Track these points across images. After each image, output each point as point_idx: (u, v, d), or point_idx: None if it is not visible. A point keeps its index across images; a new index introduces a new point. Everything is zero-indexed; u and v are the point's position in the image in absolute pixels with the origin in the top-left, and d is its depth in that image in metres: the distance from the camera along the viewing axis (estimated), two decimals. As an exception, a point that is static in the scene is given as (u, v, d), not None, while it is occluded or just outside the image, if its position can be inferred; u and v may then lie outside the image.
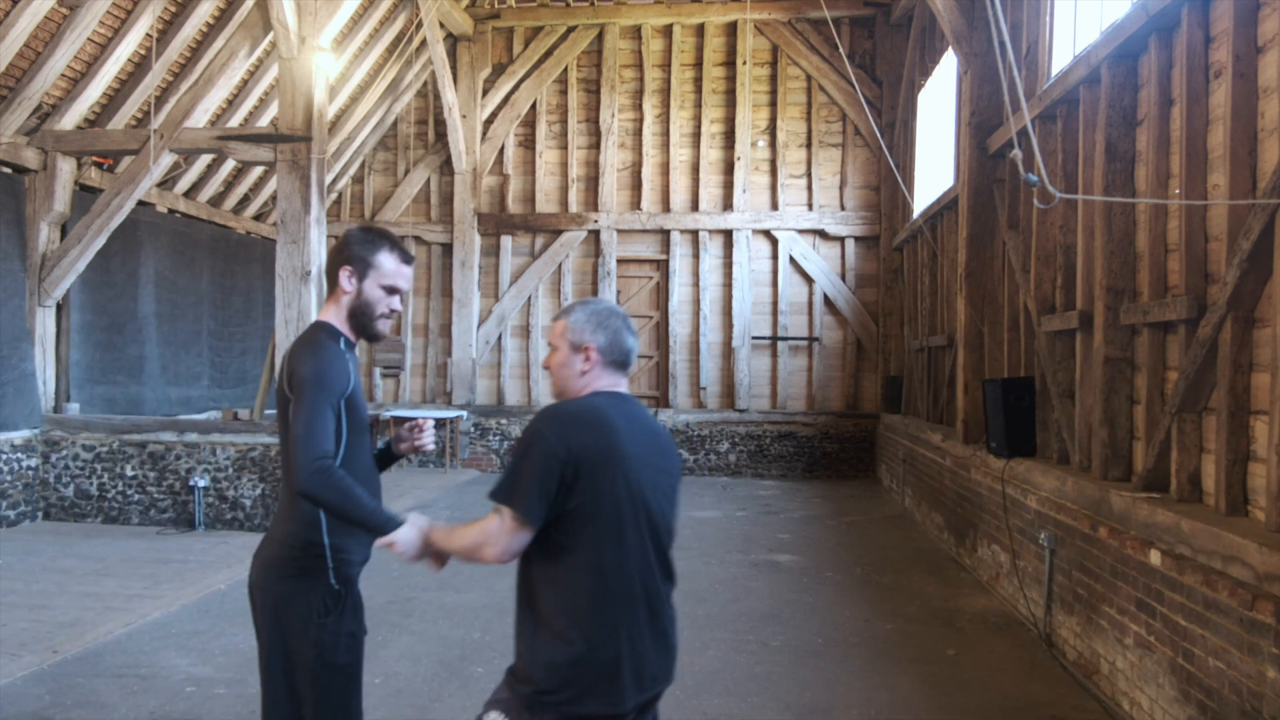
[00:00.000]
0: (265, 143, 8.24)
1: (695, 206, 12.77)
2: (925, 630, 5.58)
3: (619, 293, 12.87)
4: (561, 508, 2.04)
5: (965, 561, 7.26)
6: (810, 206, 12.55)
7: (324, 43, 8.12)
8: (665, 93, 12.84)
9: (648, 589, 2.12)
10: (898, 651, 5.18)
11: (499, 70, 13.02)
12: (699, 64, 12.80)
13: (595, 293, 12.82)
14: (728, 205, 12.69)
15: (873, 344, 12.40)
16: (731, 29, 12.70)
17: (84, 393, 9.21)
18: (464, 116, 12.71)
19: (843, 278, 12.50)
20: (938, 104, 10.32)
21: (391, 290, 2.56)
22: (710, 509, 9.92)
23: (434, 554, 2.29)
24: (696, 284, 12.74)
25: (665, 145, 12.84)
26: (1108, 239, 5.08)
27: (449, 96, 12.30)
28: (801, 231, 12.50)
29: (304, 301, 7.93)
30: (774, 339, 12.56)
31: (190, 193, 11.07)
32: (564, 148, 13.04)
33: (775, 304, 12.57)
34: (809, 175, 12.59)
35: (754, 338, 12.57)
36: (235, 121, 10.54)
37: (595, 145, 12.96)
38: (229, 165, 11.08)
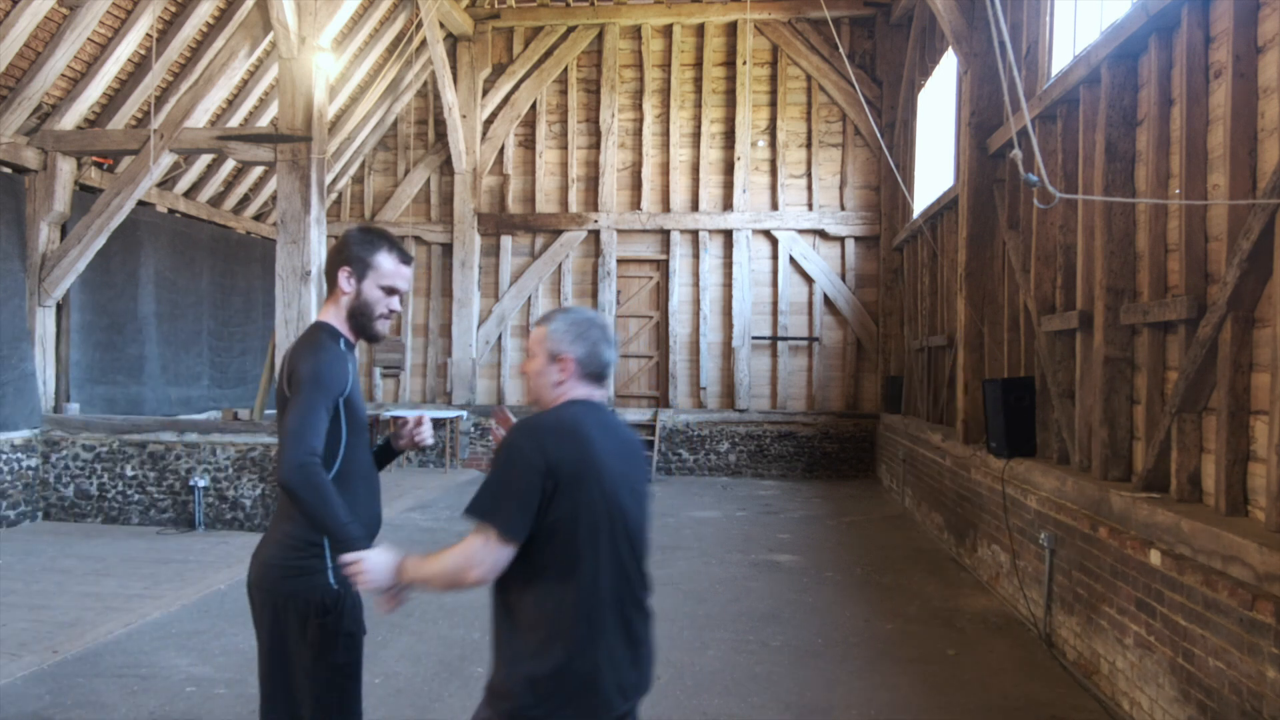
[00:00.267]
0: (265, 143, 8.24)
1: (695, 206, 12.77)
2: (925, 630, 5.58)
3: (619, 293, 12.88)
4: (541, 521, 2.02)
5: (965, 561, 7.26)
6: (810, 206, 12.55)
7: (324, 43, 8.12)
8: (665, 93, 12.84)
9: (626, 599, 2.12)
10: (898, 651, 5.17)
11: (499, 70, 13.02)
12: (699, 64, 12.80)
13: (595, 293, 12.83)
14: (728, 205, 12.69)
15: (873, 344, 12.40)
16: (731, 29, 12.70)
17: (84, 393, 9.21)
18: (464, 116, 12.71)
19: (843, 278, 12.50)
20: (938, 104, 10.32)
21: (390, 291, 2.56)
22: (710, 509, 9.92)
23: (397, 590, 2.19)
24: (696, 284, 12.74)
25: (665, 145, 12.84)
26: (1108, 239, 5.08)
27: (449, 96, 12.30)
28: (801, 231, 12.50)
29: (304, 301, 7.93)
30: (774, 339, 12.56)
31: (190, 193, 11.07)
32: (564, 148, 13.04)
33: (775, 304, 12.57)
34: (809, 175, 12.59)
35: (754, 338, 12.57)
36: (235, 121, 10.54)
37: (595, 145, 12.96)
38: (229, 165, 11.08)
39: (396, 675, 4.68)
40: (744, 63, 12.59)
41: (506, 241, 13.02)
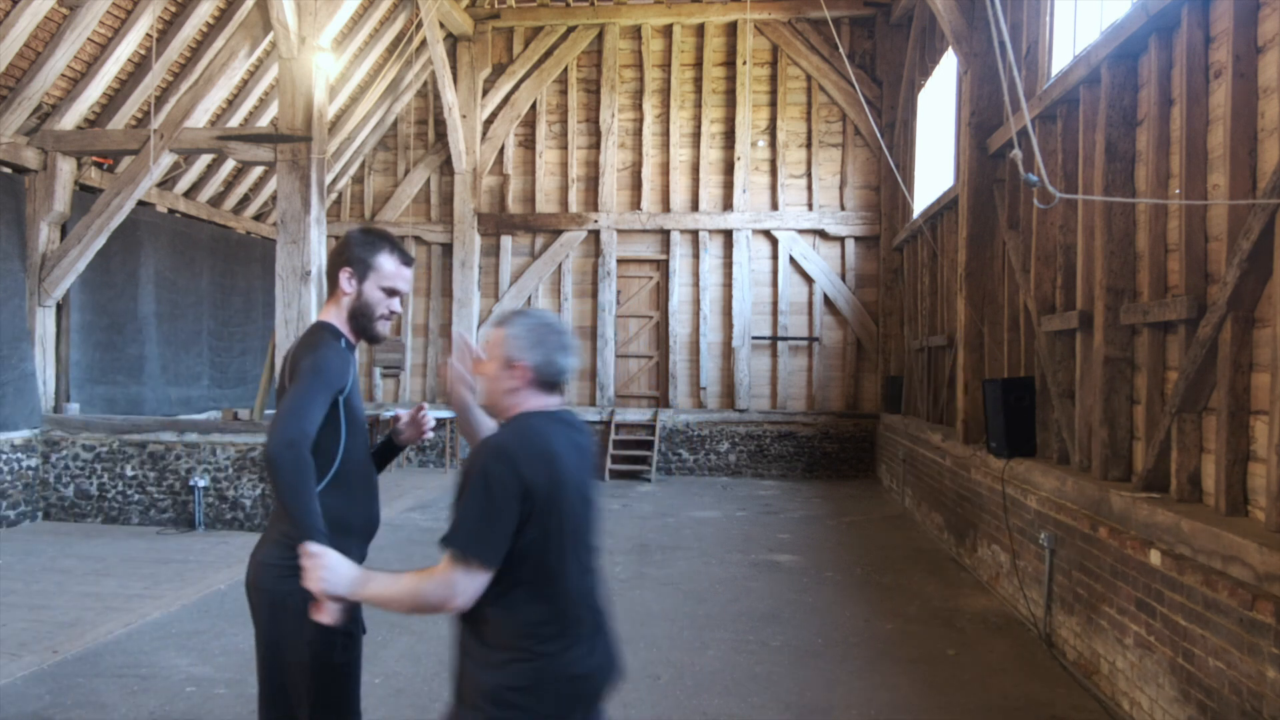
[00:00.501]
0: (265, 143, 8.24)
1: (695, 206, 12.77)
2: (925, 630, 5.58)
3: (619, 293, 12.88)
4: (516, 542, 2.01)
5: (965, 561, 7.26)
6: (810, 206, 12.55)
7: (324, 43, 8.12)
8: (665, 93, 12.84)
9: (587, 597, 2.15)
10: (898, 651, 5.17)
11: (499, 70, 13.02)
12: (699, 64, 12.80)
13: (595, 293, 12.83)
14: (728, 205, 12.69)
15: (873, 344, 12.40)
16: (731, 29, 12.70)
17: (84, 393, 9.21)
18: (464, 116, 12.71)
19: (843, 278, 12.51)
20: (938, 104, 10.32)
21: (391, 292, 2.57)
22: (710, 509, 9.92)
23: (342, 604, 2.11)
24: (696, 284, 12.74)
25: (665, 145, 12.84)
26: (1108, 239, 5.08)
27: (449, 96, 12.30)
28: (801, 231, 12.50)
29: (304, 301, 7.93)
30: (774, 339, 12.56)
31: (190, 193, 11.07)
32: (564, 148, 13.04)
33: (775, 304, 12.57)
34: (809, 175, 12.59)
35: (754, 338, 12.57)
36: (235, 121, 10.54)
37: (595, 145, 12.96)
38: (229, 165, 11.08)
39: (397, 675, 4.68)
40: (744, 63, 12.59)
41: (506, 241, 13.03)
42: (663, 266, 12.86)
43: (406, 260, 2.60)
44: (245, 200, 12.24)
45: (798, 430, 12.41)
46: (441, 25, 12.12)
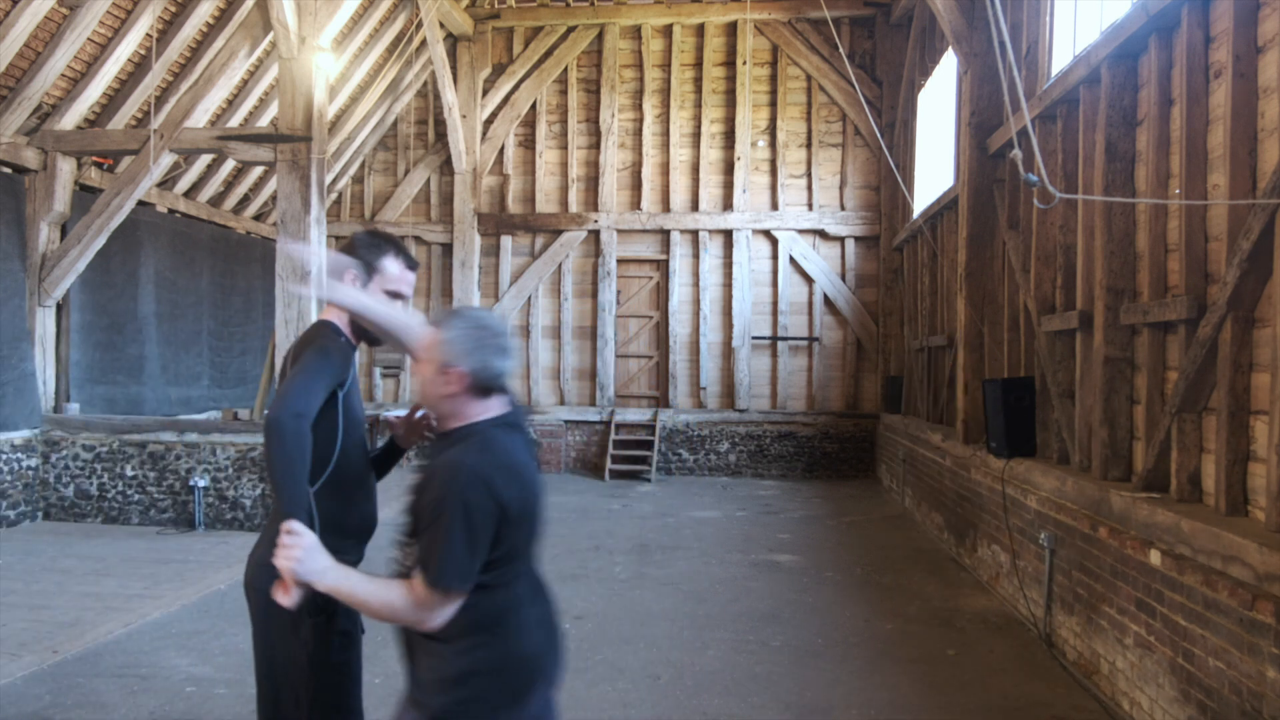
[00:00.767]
0: (265, 143, 8.24)
1: (695, 206, 12.77)
2: (925, 630, 5.58)
3: (619, 293, 12.88)
4: (486, 559, 2.04)
5: (965, 561, 7.26)
6: (810, 206, 12.55)
7: (324, 43, 8.12)
8: (665, 93, 12.84)
9: (540, 586, 2.20)
10: (898, 651, 5.17)
11: (499, 70, 13.02)
12: (699, 64, 12.80)
13: (595, 293, 12.82)
14: (728, 205, 12.69)
15: (873, 344, 12.40)
16: (731, 29, 12.70)
17: (84, 393, 9.21)
18: (464, 116, 12.71)
19: (843, 278, 12.50)
20: (938, 104, 10.32)
21: (395, 295, 2.58)
22: (710, 509, 9.92)
23: (306, 590, 2.07)
24: (696, 284, 12.74)
25: (665, 145, 12.84)
26: (1108, 239, 5.08)
27: (449, 96, 12.30)
28: (801, 231, 12.50)
29: (304, 301, 7.93)
30: (774, 339, 12.56)
31: (190, 193, 11.07)
32: (564, 148, 13.04)
33: (775, 304, 12.57)
34: (809, 175, 12.59)
35: (754, 338, 12.57)
36: (235, 121, 10.54)
37: (595, 145, 12.96)
38: (229, 165, 11.08)
39: (397, 675, 4.66)
40: (744, 63, 12.59)
41: (506, 241, 13.02)
42: (663, 266, 12.86)
43: (411, 265, 2.62)
44: (245, 200, 12.24)
45: (798, 430, 12.41)
46: (441, 25, 12.12)
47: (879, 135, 11.15)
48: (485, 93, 12.99)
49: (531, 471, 2.13)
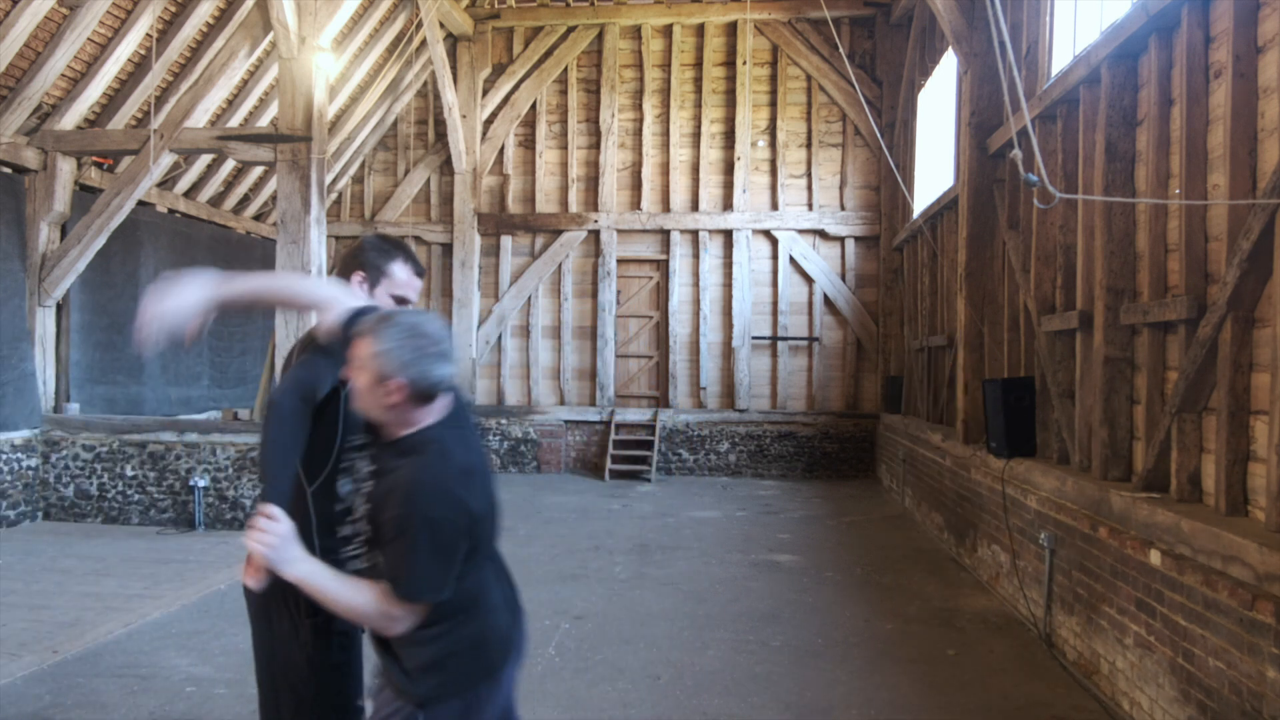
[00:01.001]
0: (265, 143, 8.24)
1: (695, 206, 12.77)
2: (925, 630, 5.58)
3: (619, 293, 12.88)
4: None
5: (965, 561, 7.26)
6: (810, 206, 12.55)
7: (324, 43, 8.12)
8: (665, 93, 12.84)
9: (503, 570, 2.28)
10: (898, 651, 5.17)
11: (499, 70, 13.02)
12: (699, 64, 12.80)
13: (595, 293, 12.82)
14: (728, 205, 12.69)
15: (873, 344, 12.40)
16: (731, 29, 12.70)
17: (84, 393, 9.21)
18: (464, 116, 12.71)
19: (843, 278, 12.50)
20: (938, 104, 10.32)
21: (401, 301, 2.58)
22: (710, 509, 9.92)
23: (270, 575, 2.08)
24: (696, 284, 12.74)
25: (665, 145, 12.84)
26: (1108, 239, 5.08)
27: (449, 96, 12.30)
28: (801, 231, 12.50)
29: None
30: (774, 339, 12.56)
31: (190, 193, 11.07)
32: (564, 148, 13.04)
33: (775, 304, 12.57)
34: (809, 175, 12.59)
35: (754, 338, 12.57)
36: (235, 121, 10.54)
37: (595, 145, 12.96)
38: (229, 165, 11.08)
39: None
40: (744, 63, 12.59)
41: (506, 241, 13.02)
42: (663, 266, 12.86)
43: (419, 271, 2.63)
44: (245, 200, 12.24)
45: (798, 430, 12.41)
46: (441, 25, 12.12)
47: (879, 135, 11.15)
48: (485, 93, 12.99)
49: (485, 466, 2.18)
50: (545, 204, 13.04)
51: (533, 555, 7.41)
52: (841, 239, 12.49)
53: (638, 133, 12.88)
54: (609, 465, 12.08)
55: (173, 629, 5.38)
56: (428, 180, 13.30)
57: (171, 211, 10.75)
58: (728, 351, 12.67)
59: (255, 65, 10.12)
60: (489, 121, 13.05)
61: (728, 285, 12.68)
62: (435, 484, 2.00)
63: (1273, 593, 3.11)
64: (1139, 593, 4.14)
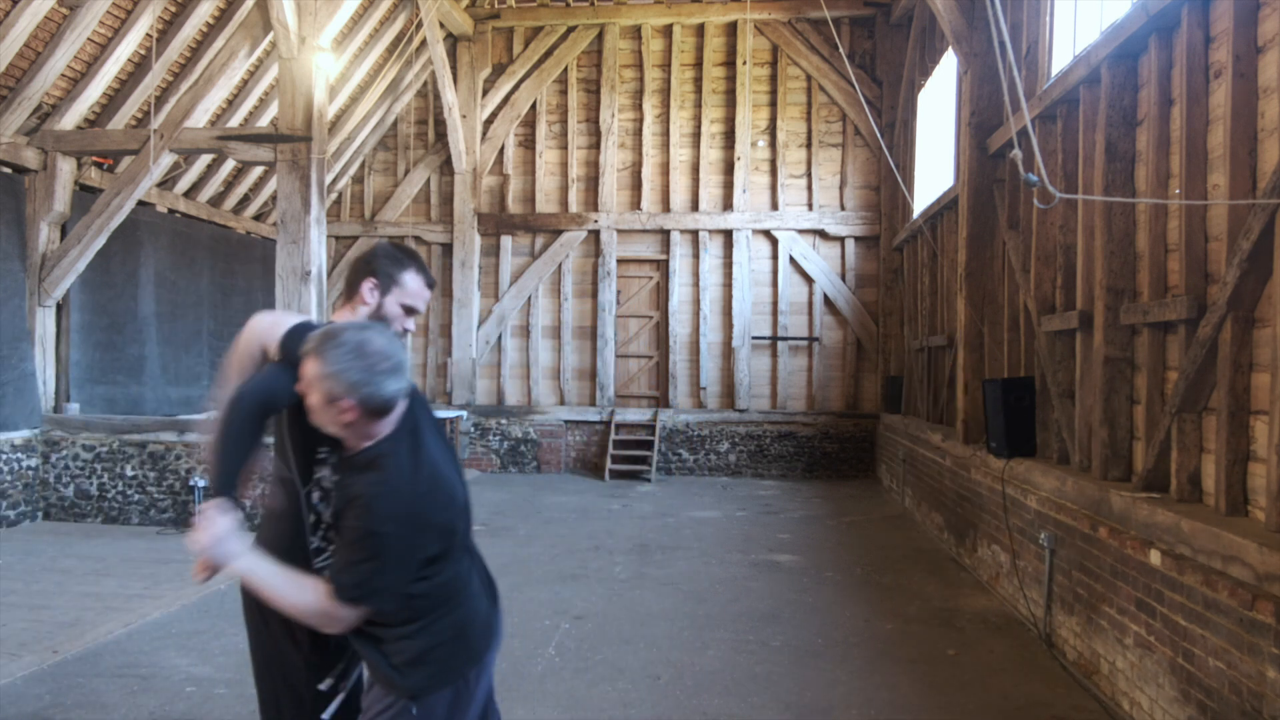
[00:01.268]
0: (265, 143, 8.24)
1: (695, 206, 12.77)
2: (925, 630, 5.58)
3: (619, 293, 12.88)
4: (425, 556, 2.11)
5: (965, 561, 7.26)
6: (810, 206, 12.55)
7: (324, 43, 8.12)
8: (665, 93, 12.84)
9: (478, 560, 2.34)
10: (898, 651, 5.17)
11: (499, 70, 13.03)
12: (699, 64, 12.80)
13: (595, 293, 12.82)
14: (728, 205, 12.69)
15: (873, 344, 12.40)
16: (731, 29, 12.70)
17: (84, 393, 9.21)
18: (464, 116, 12.72)
19: (843, 278, 12.51)
20: (938, 104, 10.32)
21: (410, 310, 2.58)
22: (710, 509, 9.92)
23: (213, 569, 2.07)
24: (696, 284, 12.74)
25: (665, 145, 12.84)
26: (1108, 239, 5.08)
27: (449, 96, 12.30)
28: (801, 231, 12.50)
29: (304, 301, 7.93)
30: (774, 339, 12.56)
31: (190, 193, 11.07)
32: (564, 148, 13.04)
33: (775, 304, 12.57)
34: (809, 175, 12.59)
35: (754, 338, 12.57)
36: (235, 121, 10.54)
37: (595, 145, 12.96)
38: (229, 165, 11.08)
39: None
40: (744, 63, 12.59)
41: (506, 241, 13.02)
42: (663, 266, 12.86)
43: (430, 283, 2.63)
44: (245, 200, 12.24)
45: (798, 430, 12.41)
46: (441, 25, 12.12)
47: (879, 135, 11.15)
48: (485, 93, 12.99)
49: (450, 469, 2.20)
50: (545, 204, 13.04)
51: (533, 555, 7.41)
52: (841, 239, 12.49)
53: (638, 133, 12.88)
54: (609, 465, 12.08)
55: (173, 629, 5.38)
56: (428, 180, 13.31)
57: (171, 211, 10.75)
58: (728, 351, 12.67)
59: (255, 65, 10.12)
60: (489, 121, 13.05)
61: (728, 285, 12.68)
62: (391, 501, 2.01)
63: (1273, 593, 3.11)
64: (1139, 593, 4.14)
